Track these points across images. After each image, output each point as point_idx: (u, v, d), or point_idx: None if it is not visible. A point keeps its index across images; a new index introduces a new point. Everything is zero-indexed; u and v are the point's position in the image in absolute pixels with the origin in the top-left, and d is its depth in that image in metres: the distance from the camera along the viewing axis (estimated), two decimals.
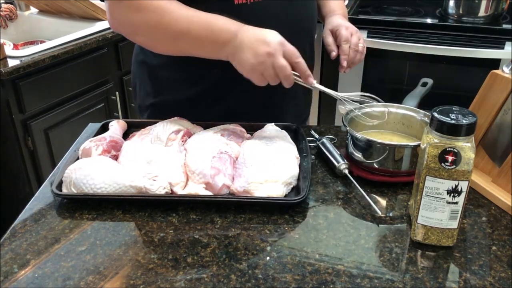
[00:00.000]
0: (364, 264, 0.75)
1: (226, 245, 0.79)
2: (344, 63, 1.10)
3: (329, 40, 1.13)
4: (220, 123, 1.08)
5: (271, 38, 0.91)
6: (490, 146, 0.96)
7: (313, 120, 2.53)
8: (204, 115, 1.13)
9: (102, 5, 2.20)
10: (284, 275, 0.73)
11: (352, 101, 0.99)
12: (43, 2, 2.24)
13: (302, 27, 1.14)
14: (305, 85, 0.96)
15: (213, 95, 1.14)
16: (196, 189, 0.89)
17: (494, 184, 0.93)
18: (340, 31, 1.12)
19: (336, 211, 0.88)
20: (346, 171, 0.95)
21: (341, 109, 1.02)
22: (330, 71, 2.37)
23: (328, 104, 2.43)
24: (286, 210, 0.87)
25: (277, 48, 0.90)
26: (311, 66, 1.19)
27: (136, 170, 0.89)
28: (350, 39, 1.11)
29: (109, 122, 1.11)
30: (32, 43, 2.20)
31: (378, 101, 1.00)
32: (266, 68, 0.91)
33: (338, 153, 0.99)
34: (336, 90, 1.00)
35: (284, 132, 1.04)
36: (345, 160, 0.97)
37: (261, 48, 0.90)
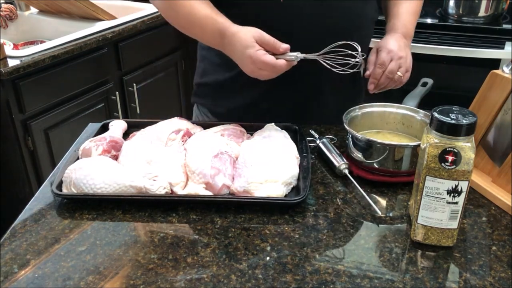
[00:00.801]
0: (364, 264, 0.75)
1: (226, 245, 0.79)
2: (371, 86, 1.08)
3: (371, 58, 1.09)
4: (220, 123, 1.08)
5: (245, 63, 0.98)
6: (490, 146, 0.96)
7: None
8: (239, 99, 1.18)
9: (102, 5, 2.20)
10: (284, 275, 0.73)
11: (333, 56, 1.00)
12: (43, 2, 2.24)
13: (340, 29, 1.08)
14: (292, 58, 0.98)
15: (245, 80, 1.11)
16: (196, 189, 0.89)
17: (494, 184, 0.93)
18: (380, 53, 1.07)
19: (336, 211, 0.88)
20: (346, 171, 0.95)
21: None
22: None
23: None
24: (286, 210, 0.87)
25: (253, 70, 0.98)
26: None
27: (136, 170, 0.89)
28: (387, 64, 1.06)
29: (109, 122, 1.11)
30: (32, 43, 2.20)
31: (356, 49, 1.01)
32: (259, 76, 0.99)
33: (338, 153, 0.99)
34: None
35: (284, 132, 1.04)
36: (345, 160, 0.97)
37: (243, 67, 1.00)
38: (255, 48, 0.95)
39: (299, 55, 0.99)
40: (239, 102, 1.18)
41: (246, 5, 1.06)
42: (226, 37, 0.99)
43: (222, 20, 1.00)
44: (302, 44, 1.00)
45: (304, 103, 1.17)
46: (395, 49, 1.06)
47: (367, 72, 1.08)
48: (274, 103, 1.16)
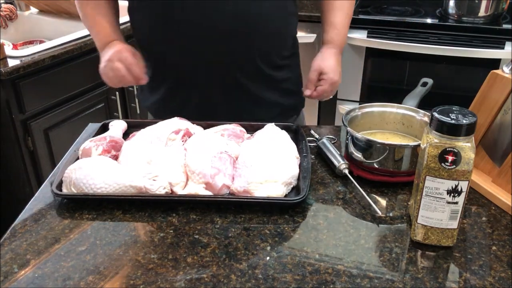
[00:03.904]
0: (364, 264, 0.75)
1: (226, 245, 0.79)
2: (307, 92, 1.20)
3: (311, 78, 1.19)
4: (220, 123, 1.08)
5: (112, 49, 1.11)
6: (490, 146, 0.96)
7: (313, 120, 2.53)
8: (152, 98, 1.28)
9: None
10: (284, 275, 0.73)
11: None
12: (43, 2, 2.24)
13: (251, 29, 1.12)
14: None
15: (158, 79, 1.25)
16: (196, 189, 0.89)
17: (494, 184, 0.93)
18: (322, 81, 1.17)
19: (336, 211, 0.88)
20: (346, 171, 0.95)
21: None
22: None
23: (328, 104, 2.43)
24: (286, 210, 0.87)
25: (113, 55, 1.09)
26: (291, 71, 1.25)
27: (136, 170, 0.89)
28: (325, 89, 1.17)
29: (109, 122, 1.11)
30: (31, 42, 2.20)
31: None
32: (107, 71, 1.11)
33: (338, 153, 0.99)
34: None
35: (284, 132, 1.04)
36: (345, 160, 0.97)
37: (104, 57, 1.12)
38: (129, 48, 1.11)
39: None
40: (153, 99, 1.27)
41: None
42: (111, 44, 1.13)
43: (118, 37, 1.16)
44: (199, 37, 1.10)
45: (210, 100, 1.21)
46: (332, 75, 1.17)
47: (307, 92, 1.19)
48: (181, 100, 1.22)
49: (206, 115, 1.15)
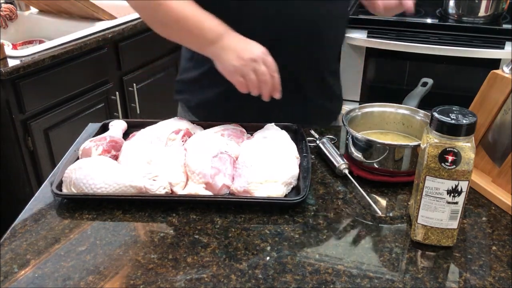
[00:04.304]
0: (364, 264, 0.75)
1: (226, 245, 0.79)
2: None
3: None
4: (220, 123, 1.08)
5: (255, 46, 0.97)
6: (490, 146, 0.96)
7: None
8: (207, 93, 1.18)
9: (102, 5, 2.20)
10: (284, 275, 0.73)
11: None
12: (43, 2, 2.24)
13: (305, 32, 1.10)
14: None
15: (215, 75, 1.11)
16: (196, 189, 0.89)
17: (494, 184, 0.93)
18: None
19: (336, 211, 0.88)
20: (346, 171, 0.95)
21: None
22: None
23: None
24: (286, 210, 0.87)
25: (259, 56, 0.96)
26: (328, 85, 1.21)
27: (136, 170, 0.89)
28: None
29: (109, 122, 1.11)
30: (30, 42, 2.20)
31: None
32: (248, 72, 0.96)
33: (338, 153, 0.99)
34: None
35: (284, 132, 1.04)
36: (345, 160, 0.97)
37: (245, 53, 0.96)
38: (265, 54, 0.96)
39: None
40: (208, 96, 1.18)
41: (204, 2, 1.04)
42: (227, 35, 0.98)
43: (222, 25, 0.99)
44: (266, 42, 1.01)
45: (272, 102, 1.15)
46: None
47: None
48: (243, 99, 1.13)
49: (260, 117, 1.10)
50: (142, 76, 2.33)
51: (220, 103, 1.18)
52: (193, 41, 1.04)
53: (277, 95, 0.99)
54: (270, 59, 0.97)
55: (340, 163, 0.96)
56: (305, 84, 1.16)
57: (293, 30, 1.08)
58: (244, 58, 0.95)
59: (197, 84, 1.20)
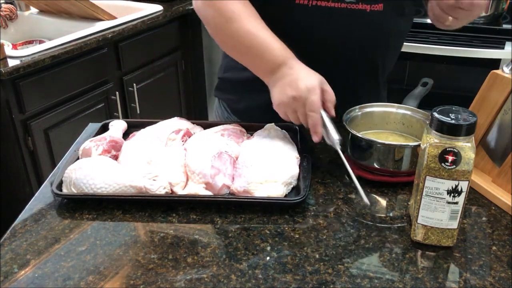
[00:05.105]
0: (364, 264, 0.75)
1: (226, 245, 0.79)
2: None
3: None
4: (220, 123, 1.08)
5: (303, 83, 0.91)
6: (490, 146, 0.96)
7: None
8: (258, 98, 1.12)
9: (102, 5, 2.20)
10: (284, 275, 0.73)
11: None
12: (43, 2, 2.24)
13: (362, 50, 1.10)
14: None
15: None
16: (196, 189, 0.89)
17: (494, 184, 0.93)
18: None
19: (336, 211, 0.88)
20: (338, 148, 0.92)
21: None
22: None
23: None
24: (286, 210, 0.87)
25: (302, 95, 0.91)
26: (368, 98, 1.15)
27: (136, 170, 0.89)
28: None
29: (109, 122, 1.11)
30: (30, 42, 2.20)
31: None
32: (288, 110, 0.94)
33: (336, 129, 0.93)
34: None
35: (284, 132, 1.04)
36: (340, 136, 0.92)
37: (288, 90, 0.93)
38: (313, 90, 0.91)
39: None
40: (259, 101, 1.11)
41: (272, 6, 1.04)
42: (283, 68, 0.95)
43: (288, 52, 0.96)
44: (320, 54, 1.01)
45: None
46: None
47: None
48: None
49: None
50: (142, 76, 2.33)
51: (269, 110, 1.09)
52: (252, 67, 1.04)
53: (316, 137, 0.94)
54: (322, 90, 0.92)
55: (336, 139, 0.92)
56: (364, 94, 1.15)
57: (354, 42, 1.08)
58: (286, 94, 0.93)
59: (247, 86, 1.17)
